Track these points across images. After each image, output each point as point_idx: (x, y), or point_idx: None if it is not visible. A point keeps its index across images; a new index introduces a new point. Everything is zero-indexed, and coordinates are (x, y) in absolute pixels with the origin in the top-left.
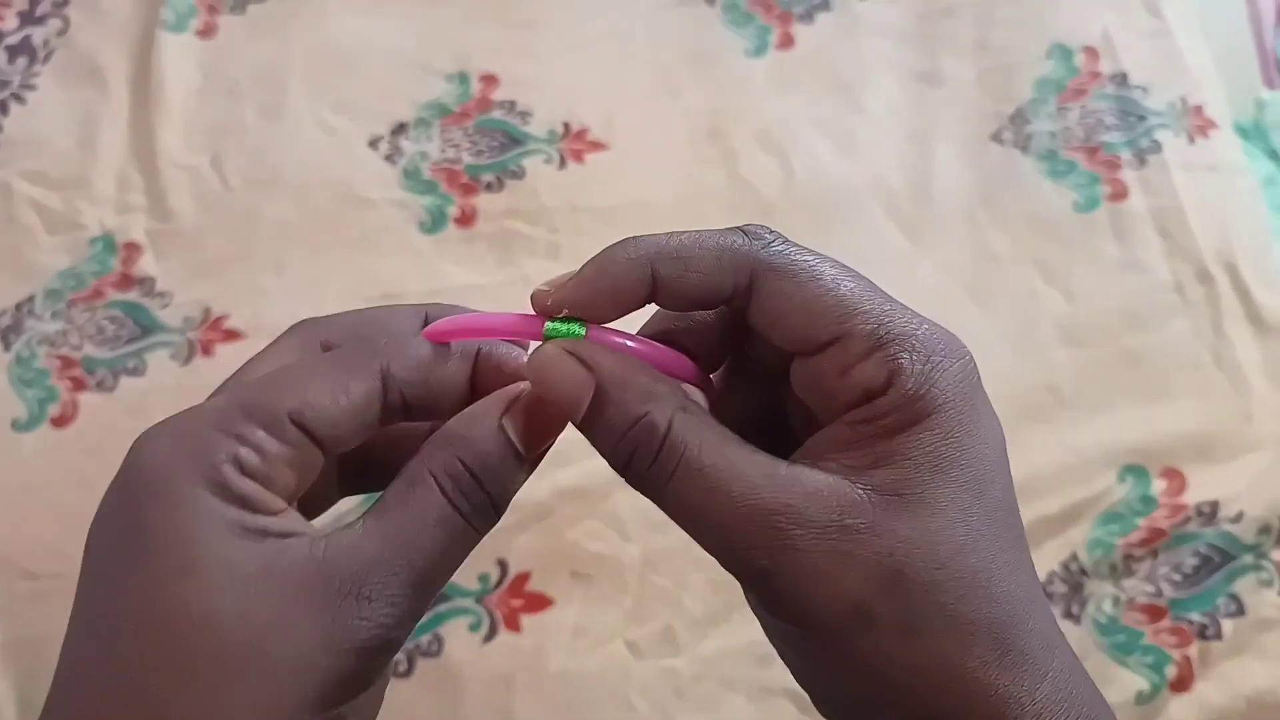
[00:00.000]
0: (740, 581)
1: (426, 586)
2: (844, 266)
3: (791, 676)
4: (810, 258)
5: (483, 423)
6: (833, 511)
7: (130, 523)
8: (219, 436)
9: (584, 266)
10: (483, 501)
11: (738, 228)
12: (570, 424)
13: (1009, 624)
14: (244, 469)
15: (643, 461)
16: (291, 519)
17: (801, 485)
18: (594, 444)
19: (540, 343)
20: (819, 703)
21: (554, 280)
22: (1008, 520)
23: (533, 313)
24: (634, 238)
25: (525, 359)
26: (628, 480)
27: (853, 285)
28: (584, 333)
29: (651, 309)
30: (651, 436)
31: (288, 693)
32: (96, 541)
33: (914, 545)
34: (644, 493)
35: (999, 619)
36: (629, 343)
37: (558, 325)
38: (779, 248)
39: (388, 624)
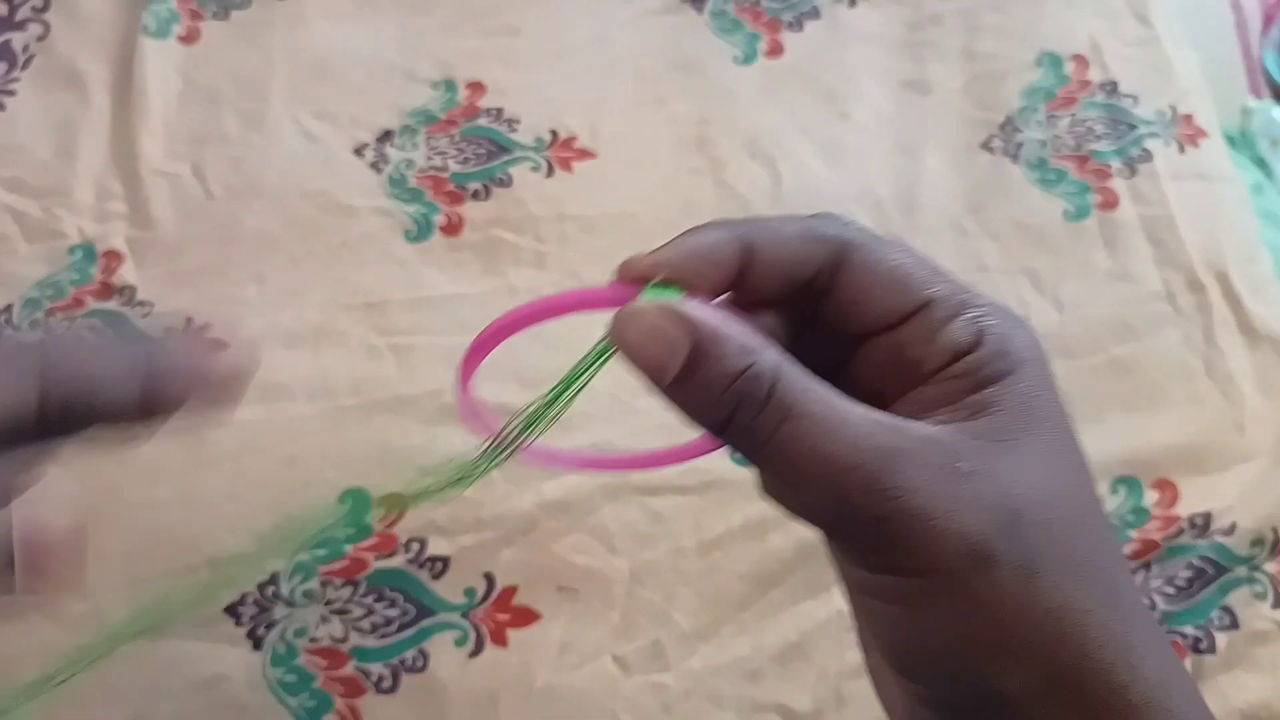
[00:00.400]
0: (842, 536)
1: None
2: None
3: (780, 692)
4: (887, 238)
5: None
6: (946, 455)
7: None
8: None
9: (675, 237)
10: None
11: (820, 214)
12: (655, 387)
13: (1115, 571)
14: None
15: (749, 412)
16: None
17: (912, 432)
18: (683, 405)
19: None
20: (912, 667)
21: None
22: (1089, 471)
23: (621, 284)
24: (722, 219)
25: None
26: (725, 438)
27: (927, 261)
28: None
29: None
30: (758, 386)
31: None
32: None
33: (1027, 487)
34: (743, 450)
35: (1107, 565)
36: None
37: (652, 292)
38: (860, 227)
39: None
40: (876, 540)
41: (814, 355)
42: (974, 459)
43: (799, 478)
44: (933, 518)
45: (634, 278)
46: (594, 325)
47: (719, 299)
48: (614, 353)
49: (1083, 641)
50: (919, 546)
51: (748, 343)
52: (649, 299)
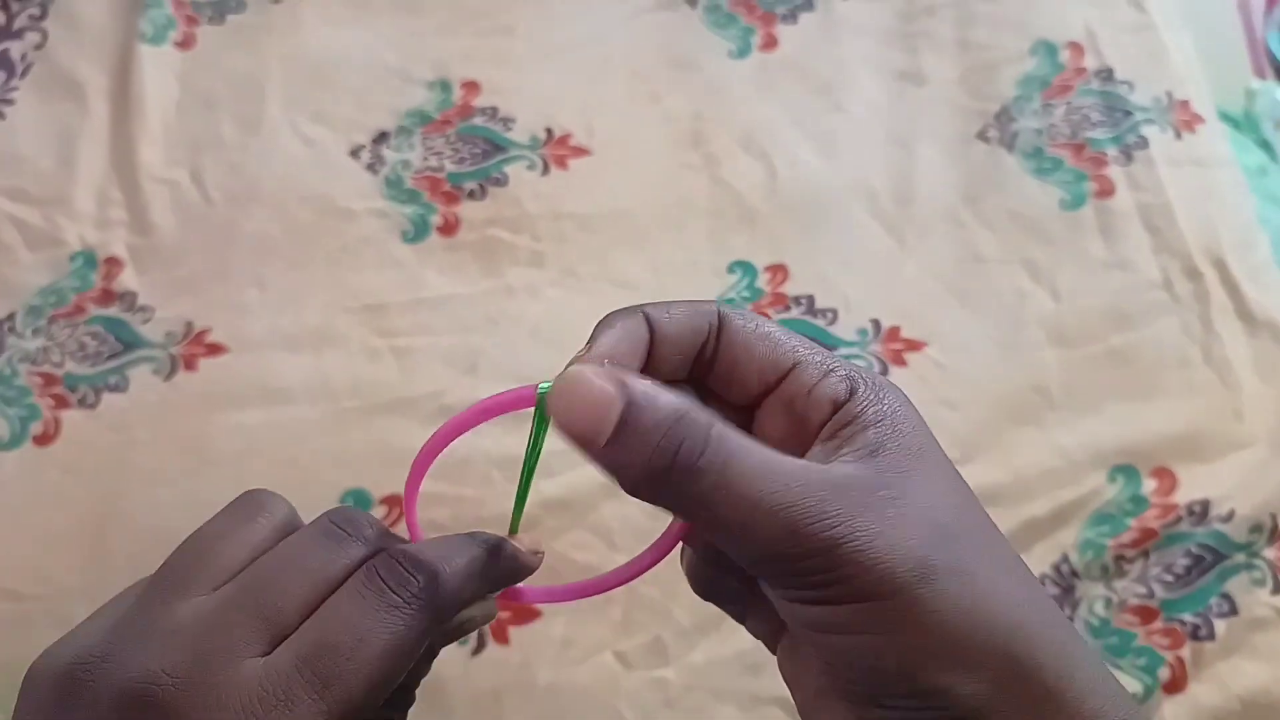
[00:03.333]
0: (789, 574)
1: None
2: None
3: (780, 685)
4: (754, 313)
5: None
6: (868, 486)
7: None
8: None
9: (593, 332)
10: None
11: (696, 300)
12: (587, 450)
13: (1024, 565)
14: None
15: (691, 454)
16: None
17: (837, 471)
18: (622, 461)
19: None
20: (872, 694)
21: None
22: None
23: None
24: (618, 309)
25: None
26: (662, 486)
27: (793, 333)
28: None
29: None
30: (697, 429)
31: None
32: None
33: (938, 504)
34: (684, 499)
35: (1020, 562)
36: None
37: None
38: (732, 305)
39: None
40: (824, 571)
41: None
42: (891, 486)
43: (745, 518)
44: (872, 541)
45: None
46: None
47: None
48: (547, 425)
49: (1028, 634)
50: (867, 568)
51: (680, 397)
52: (577, 366)
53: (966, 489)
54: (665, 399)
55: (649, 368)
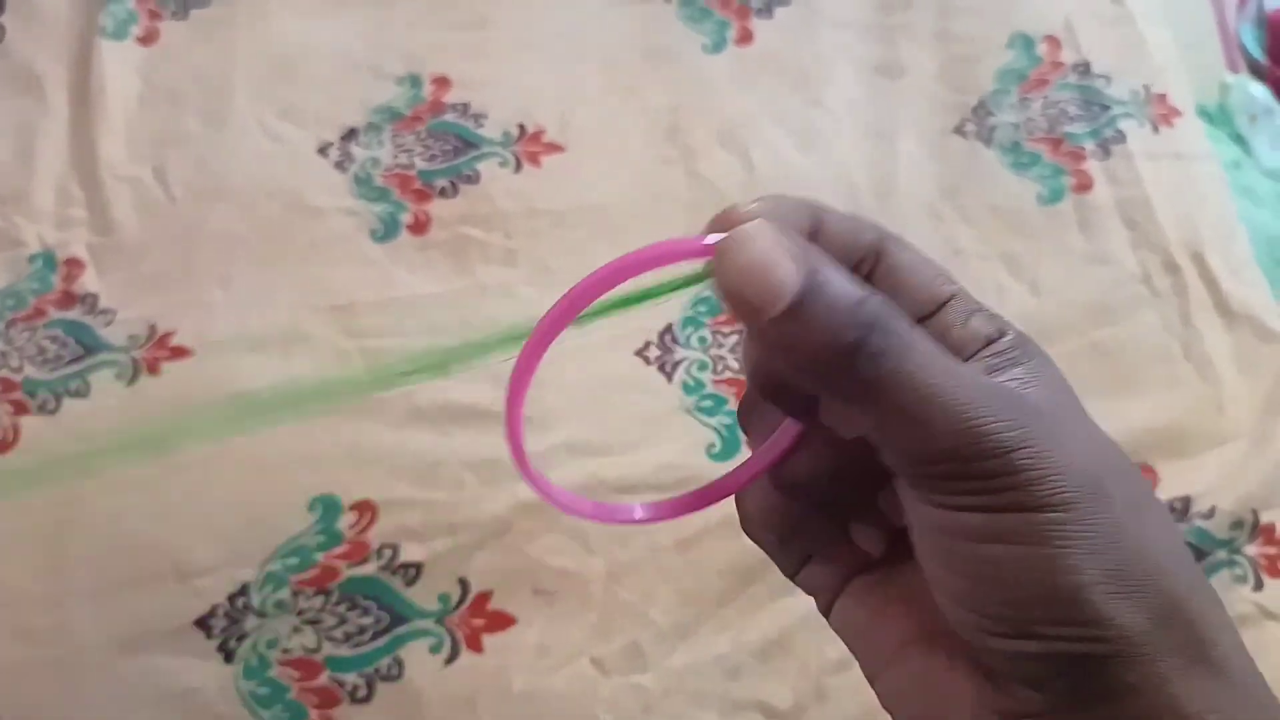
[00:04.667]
0: (958, 475)
1: None
2: None
3: (761, 689)
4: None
5: None
6: (1039, 406)
7: None
8: None
9: (756, 199)
10: None
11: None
12: (753, 319)
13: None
14: None
15: (877, 339)
16: None
17: (1007, 385)
18: (796, 335)
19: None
20: (1026, 616)
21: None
22: None
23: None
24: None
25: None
26: (842, 366)
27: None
28: None
29: None
30: (886, 312)
31: None
32: None
33: (1101, 438)
34: (861, 382)
35: (1172, 520)
36: None
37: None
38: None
39: None
40: (1000, 474)
41: None
42: (1057, 412)
43: (922, 411)
44: (1051, 450)
45: (725, 226)
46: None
47: None
48: (701, 281)
49: (1188, 579)
50: (1044, 477)
51: (856, 281)
52: (752, 223)
53: (1113, 441)
54: (848, 276)
55: (821, 240)
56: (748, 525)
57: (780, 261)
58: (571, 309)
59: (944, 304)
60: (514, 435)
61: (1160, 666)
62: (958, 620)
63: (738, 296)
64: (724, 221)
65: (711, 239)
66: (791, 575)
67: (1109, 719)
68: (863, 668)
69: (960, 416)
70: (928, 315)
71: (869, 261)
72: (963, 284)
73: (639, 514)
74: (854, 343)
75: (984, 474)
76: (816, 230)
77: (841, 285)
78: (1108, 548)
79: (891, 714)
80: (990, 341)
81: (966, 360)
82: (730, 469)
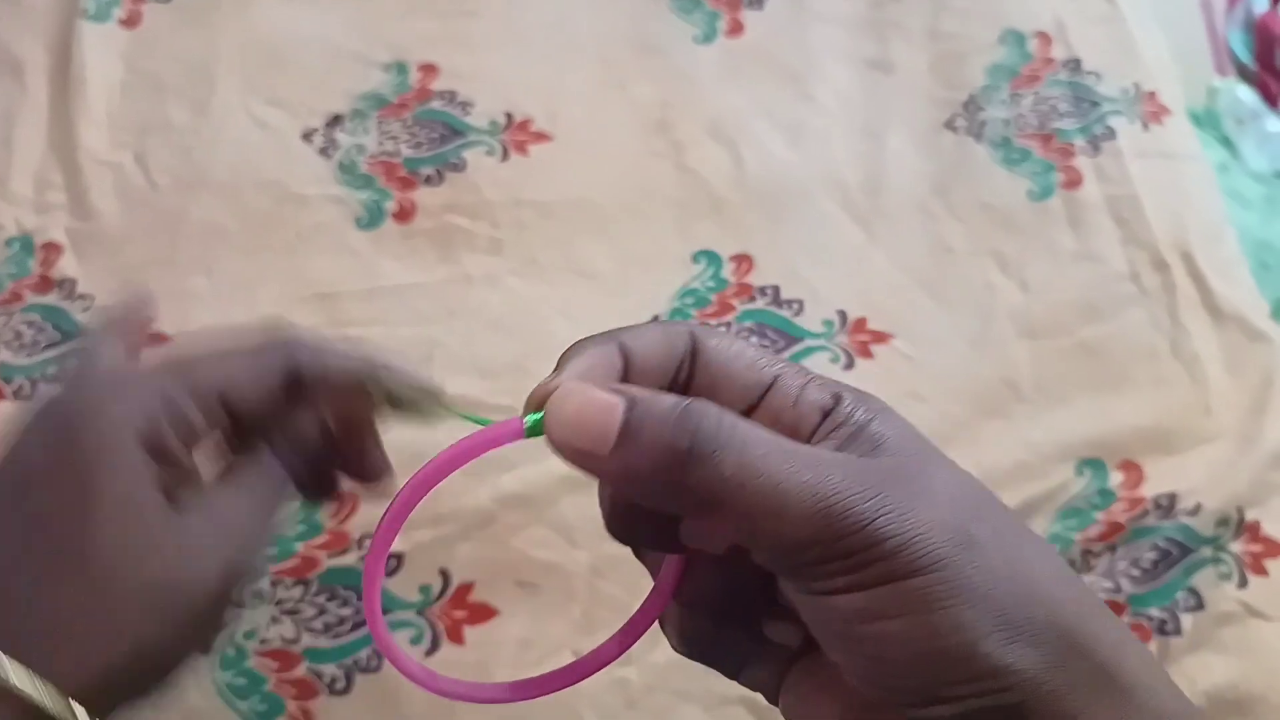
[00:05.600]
0: (822, 562)
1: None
2: None
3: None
4: (723, 331)
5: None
6: (889, 470)
7: (69, 457)
8: (161, 403)
9: (561, 359)
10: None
11: (664, 321)
12: (593, 463)
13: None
14: (177, 434)
15: (708, 441)
16: (198, 477)
17: (852, 458)
18: (632, 467)
19: (521, 439)
20: (924, 681)
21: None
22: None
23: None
24: (588, 336)
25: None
26: (680, 480)
27: (759, 348)
28: None
29: None
30: (709, 413)
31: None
32: (28, 455)
33: (958, 484)
34: (701, 485)
35: (1049, 544)
36: None
37: (538, 416)
38: (701, 323)
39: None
40: (864, 547)
41: None
42: (908, 469)
43: (772, 503)
44: (911, 514)
45: (538, 404)
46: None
47: None
48: (511, 432)
49: (1078, 609)
50: (907, 542)
51: (675, 397)
52: (536, 425)
53: (973, 477)
54: (665, 396)
55: (633, 373)
56: (678, 649)
57: (595, 405)
58: (413, 496)
59: (770, 387)
60: (371, 605)
61: (1068, 703)
62: (872, 696)
63: (572, 450)
64: (538, 397)
65: (527, 419)
66: (734, 678)
67: None
68: None
69: (811, 500)
70: (755, 403)
71: (686, 364)
72: (782, 361)
73: (505, 694)
74: (687, 449)
75: (849, 552)
76: (626, 359)
77: (659, 402)
78: (989, 596)
79: None
80: (827, 413)
81: (810, 438)
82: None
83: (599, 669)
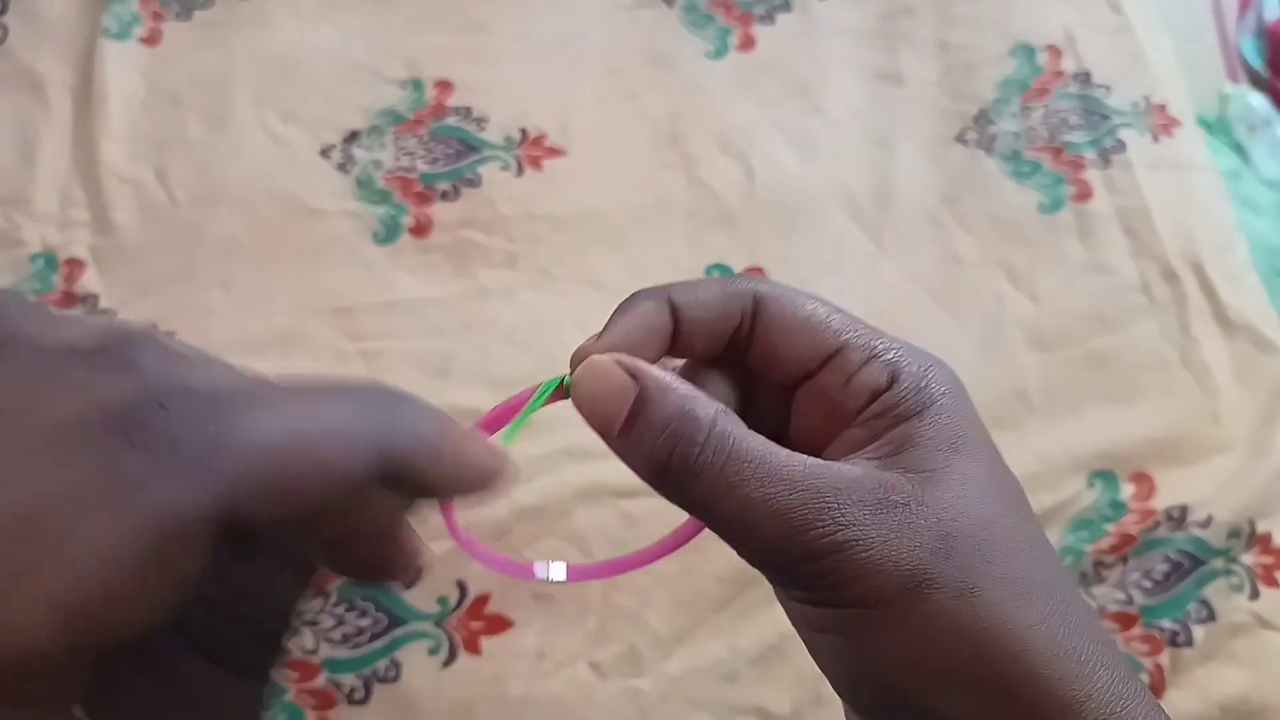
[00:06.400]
0: (784, 574)
1: None
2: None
3: (758, 694)
4: (798, 289)
5: None
6: (877, 490)
7: None
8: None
9: (611, 316)
10: None
11: (736, 275)
12: (604, 439)
13: (1059, 587)
14: None
15: (687, 453)
16: None
17: (844, 473)
18: (627, 453)
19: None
20: (862, 699)
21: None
22: (1022, 494)
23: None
24: (645, 289)
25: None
26: (664, 482)
27: (837, 309)
28: None
29: None
30: (696, 428)
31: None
32: None
33: (958, 513)
34: (682, 492)
35: (1049, 582)
36: None
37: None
38: (773, 282)
39: None
40: (818, 575)
41: (759, 413)
42: (905, 491)
43: (740, 520)
44: (869, 549)
45: (577, 364)
46: (559, 325)
47: (674, 366)
48: (561, 390)
49: (1029, 658)
50: (858, 578)
51: (689, 392)
52: (604, 356)
53: (1010, 497)
54: (675, 394)
55: (677, 348)
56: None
57: (611, 387)
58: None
59: (829, 358)
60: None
61: None
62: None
63: (587, 419)
64: (577, 358)
65: (566, 378)
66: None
67: None
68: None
69: (775, 524)
70: (811, 373)
71: (747, 323)
72: (869, 324)
73: (556, 574)
74: (664, 462)
75: (807, 574)
76: (677, 319)
77: (664, 404)
78: (926, 641)
79: None
80: (876, 395)
81: (851, 422)
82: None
83: (604, 575)
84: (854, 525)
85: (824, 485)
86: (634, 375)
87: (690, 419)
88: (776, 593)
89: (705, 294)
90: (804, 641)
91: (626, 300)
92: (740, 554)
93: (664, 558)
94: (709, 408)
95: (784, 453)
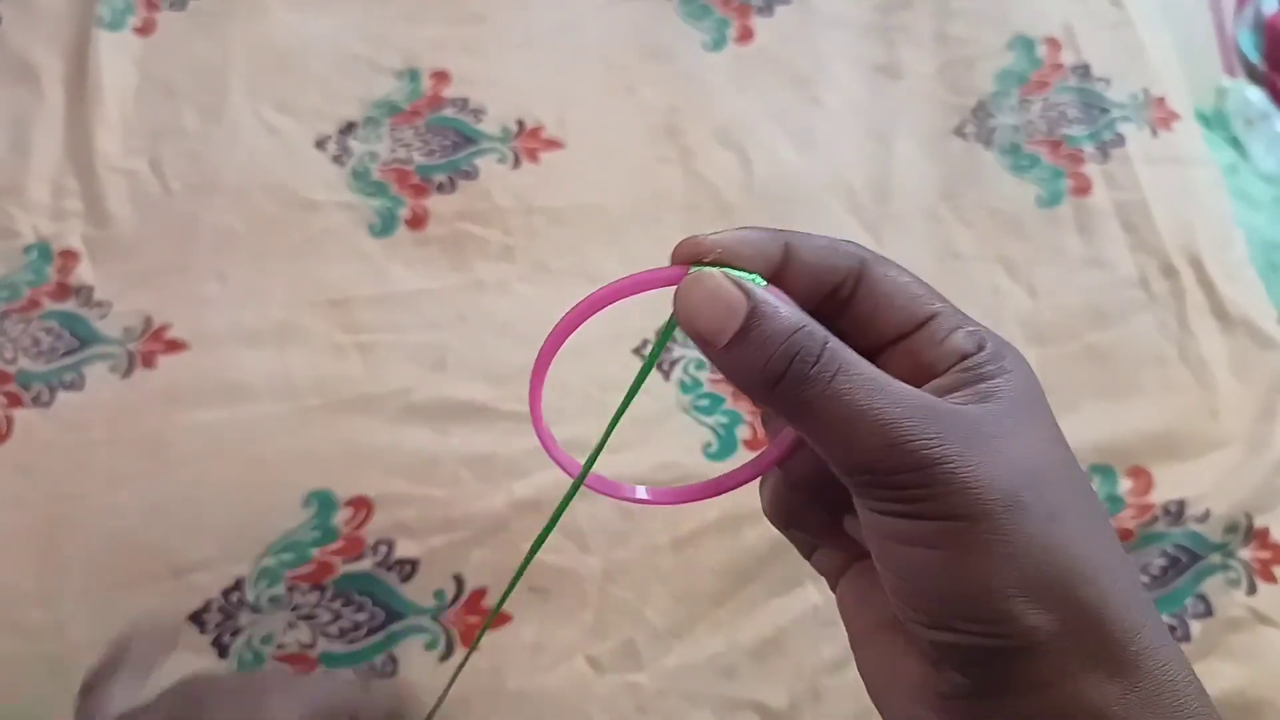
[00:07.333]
0: (883, 485)
1: None
2: None
3: (756, 688)
4: (891, 261)
5: None
6: (973, 422)
7: None
8: None
9: (725, 229)
10: None
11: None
12: (707, 349)
13: (1115, 534)
14: None
15: (805, 363)
16: None
17: (942, 403)
18: (738, 364)
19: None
20: (946, 612)
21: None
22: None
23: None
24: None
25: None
26: (775, 392)
27: (923, 282)
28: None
29: None
30: (813, 341)
31: None
32: None
33: (1039, 452)
34: (794, 403)
35: (1109, 523)
36: None
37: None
38: (872, 251)
39: None
40: (919, 485)
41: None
42: (995, 428)
43: (847, 428)
44: (969, 466)
45: (689, 255)
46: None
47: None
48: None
49: (1101, 585)
50: (959, 490)
51: (799, 312)
52: (711, 270)
53: (1066, 447)
54: (788, 309)
55: (780, 284)
56: (765, 510)
57: (723, 298)
58: (578, 319)
59: (924, 323)
60: (535, 398)
61: (1066, 664)
62: (897, 608)
63: (693, 328)
64: (689, 248)
65: (693, 269)
66: (806, 557)
67: (1021, 706)
68: (850, 642)
69: (882, 434)
70: (906, 334)
71: (849, 284)
72: (951, 302)
73: (640, 494)
74: (781, 371)
75: (904, 485)
76: (787, 258)
77: (779, 318)
78: (1017, 556)
79: (865, 685)
80: (964, 357)
81: (941, 374)
82: (727, 468)
83: (686, 501)
84: (954, 445)
85: (929, 406)
86: (746, 288)
87: (808, 334)
88: (859, 509)
89: (818, 244)
90: (879, 558)
91: (742, 228)
92: (839, 465)
93: (750, 481)
94: (819, 327)
95: (889, 376)
